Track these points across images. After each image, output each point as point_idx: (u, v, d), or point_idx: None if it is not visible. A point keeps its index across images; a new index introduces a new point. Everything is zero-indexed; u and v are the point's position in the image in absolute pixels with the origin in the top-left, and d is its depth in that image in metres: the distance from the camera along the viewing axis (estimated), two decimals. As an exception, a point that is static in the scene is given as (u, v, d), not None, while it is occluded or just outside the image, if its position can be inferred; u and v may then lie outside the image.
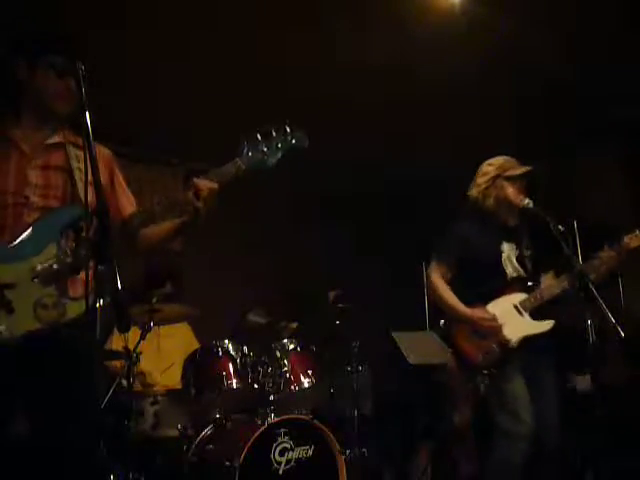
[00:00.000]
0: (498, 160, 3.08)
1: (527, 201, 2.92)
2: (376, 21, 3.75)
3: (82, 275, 1.91)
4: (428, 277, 3.08)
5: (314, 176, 5.19)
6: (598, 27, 3.84)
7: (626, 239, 2.81)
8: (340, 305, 4.41)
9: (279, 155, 2.08)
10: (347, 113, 4.65)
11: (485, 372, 2.82)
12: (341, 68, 4.18)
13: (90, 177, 1.66)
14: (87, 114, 1.69)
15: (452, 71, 4.17)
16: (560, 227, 2.77)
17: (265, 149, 2.06)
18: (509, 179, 3.00)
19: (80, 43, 1.83)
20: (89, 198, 1.71)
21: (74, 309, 1.89)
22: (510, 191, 2.99)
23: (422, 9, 3.69)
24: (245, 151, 2.06)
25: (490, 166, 3.08)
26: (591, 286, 2.65)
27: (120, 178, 2.23)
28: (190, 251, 4.58)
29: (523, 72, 4.28)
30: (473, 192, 3.10)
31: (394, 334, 4.55)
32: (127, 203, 2.20)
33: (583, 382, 4.11)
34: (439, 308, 3.08)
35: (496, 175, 3.03)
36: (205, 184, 2.01)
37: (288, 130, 2.11)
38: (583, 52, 4.05)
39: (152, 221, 2.07)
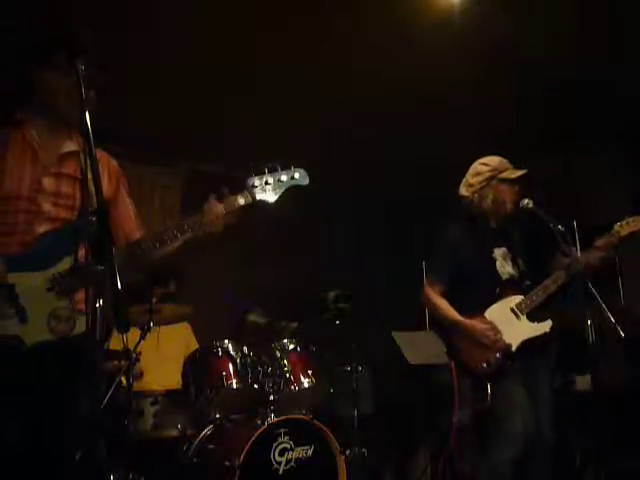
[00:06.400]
0: (493, 160, 3.03)
1: (527, 201, 2.89)
2: (375, 21, 3.75)
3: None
4: (423, 292, 3.05)
5: (314, 176, 5.18)
6: (598, 27, 3.84)
7: (616, 227, 2.82)
8: (340, 305, 4.41)
9: (282, 190, 2.21)
10: (346, 114, 4.65)
11: (488, 380, 2.82)
12: (340, 69, 4.18)
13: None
14: (87, 114, 1.69)
15: (452, 71, 4.17)
16: (560, 226, 2.77)
17: (270, 184, 2.18)
18: (505, 181, 2.97)
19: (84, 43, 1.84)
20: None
21: (84, 323, 1.90)
22: (506, 194, 2.96)
23: (421, 9, 3.68)
24: (252, 184, 2.17)
25: (485, 166, 3.02)
26: (590, 286, 2.65)
27: (125, 195, 2.25)
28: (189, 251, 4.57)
29: (523, 72, 4.27)
30: (464, 191, 3.05)
31: (394, 334, 4.55)
32: (129, 222, 2.23)
33: (583, 382, 4.11)
34: (437, 320, 3.07)
35: (491, 176, 2.98)
36: (217, 206, 2.11)
37: (292, 168, 2.24)
38: (584, 52, 4.05)
39: (161, 245, 2.10)
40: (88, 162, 1.66)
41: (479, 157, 3.10)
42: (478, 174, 3.02)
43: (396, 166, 5.36)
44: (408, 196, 5.76)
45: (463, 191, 3.06)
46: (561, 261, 2.87)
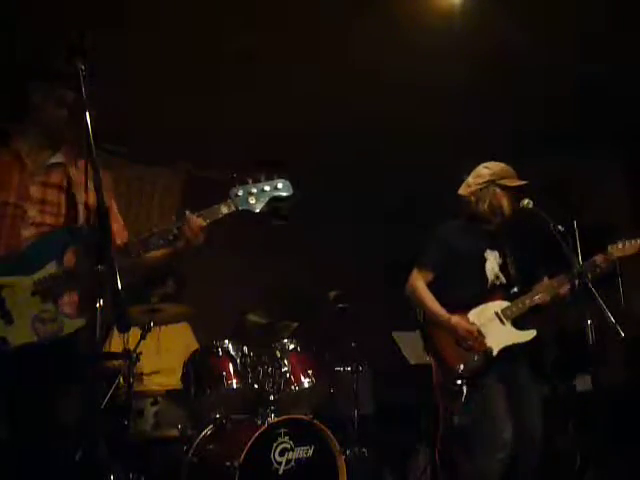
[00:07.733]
0: (496, 165, 3.03)
1: (527, 201, 2.87)
2: (374, 23, 3.74)
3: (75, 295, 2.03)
4: (409, 280, 3.03)
5: (314, 177, 5.19)
6: (599, 28, 3.83)
7: (610, 249, 2.86)
8: (340, 305, 4.42)
9: (266, 200, 2.22)
10: (345, 115, 4.65)
11: (464, 380, 2.77)
12: (339, 70, 4.18)
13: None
14: (87, 115, 1.71)
15: (452, 72, 4.17)
16: (560, 227, 2.77)
17: (254, 194, 2.20)
18: (503, 188, 2.97)
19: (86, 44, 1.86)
20: (90, 201, 1.73)
21: (71, 326, 1.96)
22: (503, 200, 2.96)
23: (421, 10, 3.68)
24: (236, 194, 2.19)
25: (486, 169, 3.03)
26: (590, 286, 2.65)
27: (114, 203, 2.31)
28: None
29: (523, 74, 4.27)
30: (462, 191, 3.07)
31: (394, 334, 4.55)
32: (119, 229, 2.29)
33: (583, 382, 4.11)
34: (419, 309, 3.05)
35: (490, 180, 2.98)
36: (195, 220, 2.13)
37: (275, 178, 2.26)
38: (584, 53, 4.05)
39: (147, 250, 2.13)
40: (89, 166, 1.68)
41: (479, 159, 3.12)
42: (478, 176, 3.03)
43: (396, 167, 5.36)
44: (408, 196, 5.77)
45: (462, 190, 3.08)
46: (546, 282, 2.89)
